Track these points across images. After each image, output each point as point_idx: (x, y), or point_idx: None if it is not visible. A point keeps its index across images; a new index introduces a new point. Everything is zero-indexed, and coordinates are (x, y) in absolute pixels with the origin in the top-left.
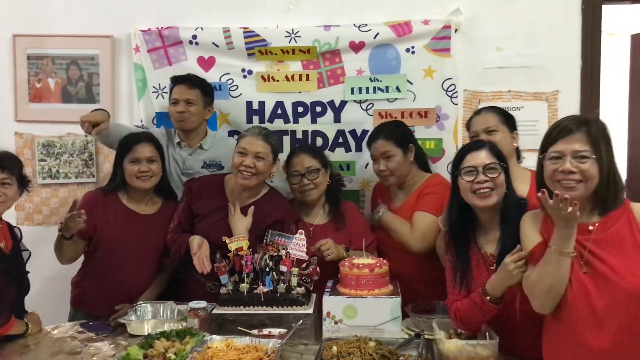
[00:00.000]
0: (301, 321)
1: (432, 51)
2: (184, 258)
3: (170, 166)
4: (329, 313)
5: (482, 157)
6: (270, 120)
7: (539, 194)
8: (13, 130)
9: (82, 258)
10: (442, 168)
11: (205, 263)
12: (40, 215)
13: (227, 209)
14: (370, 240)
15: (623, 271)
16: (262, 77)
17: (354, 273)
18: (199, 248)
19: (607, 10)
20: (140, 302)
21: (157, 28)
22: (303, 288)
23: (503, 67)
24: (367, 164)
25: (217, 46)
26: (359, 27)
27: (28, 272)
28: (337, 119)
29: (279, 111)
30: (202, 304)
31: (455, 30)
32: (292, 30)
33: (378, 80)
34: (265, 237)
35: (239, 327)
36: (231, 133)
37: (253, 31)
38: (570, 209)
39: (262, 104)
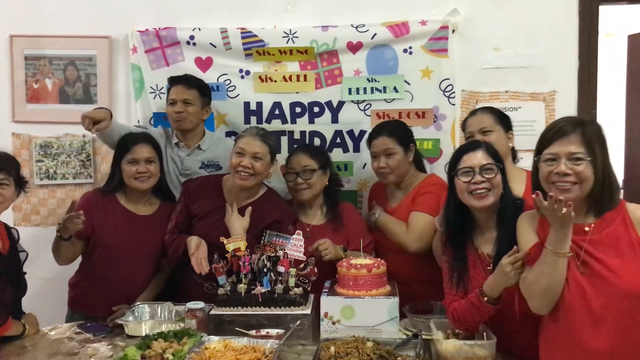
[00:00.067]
0: (299, 322)
1: (429, 52)
2: (182, 259)
3: (168, 166)
4: (327, 313)
5: (478, 158)
6: (268, 121)
7: (534, 195)
8: (10, 131)
9: (79, 259)
10: (439, 168)
11: (203, 264)
12: (37, 216)
13: (224, 209)
14: (368, 241)
15: (619, 271)
16: (260, 77)
17: (351, 273)
18: (197, 249)
19: (604, 10)
20: (138, 303)
21: (155, 29)
22: (301, 288)
23: (500, 67)
24: (365, 164)
25: (215, 47)
26: (356, 27)
27: (25, 273)
28: (334, 120)
29: (277, 112)
30: (199, 304)
31: (453, 31)
32: (290, 30)
33: (376, 81)
34: (263, 238)
35: (236, 328)
36: (229, 133)
37: (250, 32)
38: (564, 210)
39: (259, 105)
